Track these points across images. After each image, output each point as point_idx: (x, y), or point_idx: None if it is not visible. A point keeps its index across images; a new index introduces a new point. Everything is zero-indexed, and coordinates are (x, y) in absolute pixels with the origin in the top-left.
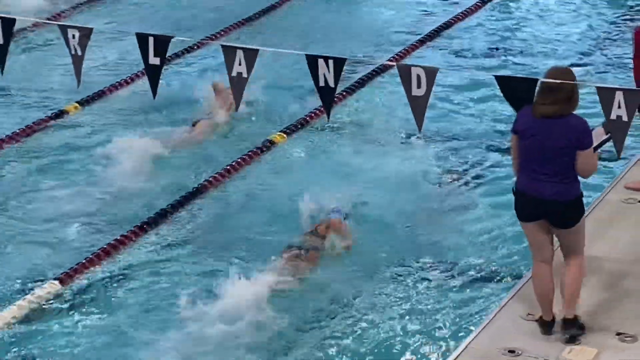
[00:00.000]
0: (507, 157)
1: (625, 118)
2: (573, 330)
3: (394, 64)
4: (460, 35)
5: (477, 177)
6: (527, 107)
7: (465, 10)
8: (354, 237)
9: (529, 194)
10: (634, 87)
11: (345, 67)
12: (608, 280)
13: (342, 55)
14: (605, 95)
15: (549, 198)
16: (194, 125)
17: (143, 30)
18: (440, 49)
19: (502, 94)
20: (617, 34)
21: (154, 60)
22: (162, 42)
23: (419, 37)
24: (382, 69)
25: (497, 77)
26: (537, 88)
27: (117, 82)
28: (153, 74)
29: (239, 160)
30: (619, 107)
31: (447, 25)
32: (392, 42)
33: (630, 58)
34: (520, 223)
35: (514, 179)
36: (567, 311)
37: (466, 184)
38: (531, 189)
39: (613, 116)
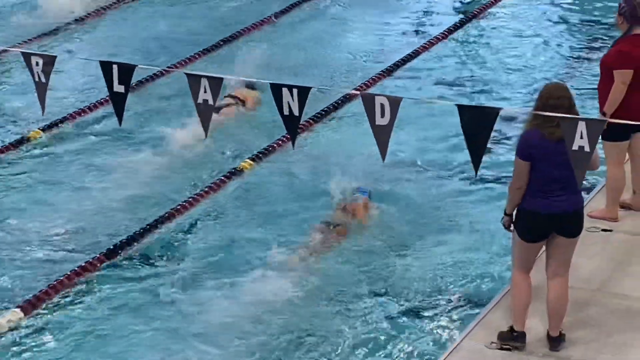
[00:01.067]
0: (469, 187)
1: (587, 149)
2: (562, 344)
3: (358, 92)
4: (426, 66)
5: (437, 207)
6: (533, 133)
7: (430, 41)
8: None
9: (546, 212)
10: (597, 117)
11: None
12: (570, 308)
13: (308, 84)
14: (568, 126)
15: (571, 210)
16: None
17: (111, 57)
18: (406, 79)
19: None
20: (579, 64)
21: (119, 88)
22: (126, 70)
23: (385, 66)
24: (347, 98)
25: (459, 106)
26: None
27: (81, 108)
28: (118, 101)
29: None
30: (582, 137)
31: (413, 55)
32: (359, 71)
33: (594, 87)
34: (521, 242)
35: (506, 210)
36: (556, 329)
37: (426, 213)
38: (549, 207)
39: (575, 147)
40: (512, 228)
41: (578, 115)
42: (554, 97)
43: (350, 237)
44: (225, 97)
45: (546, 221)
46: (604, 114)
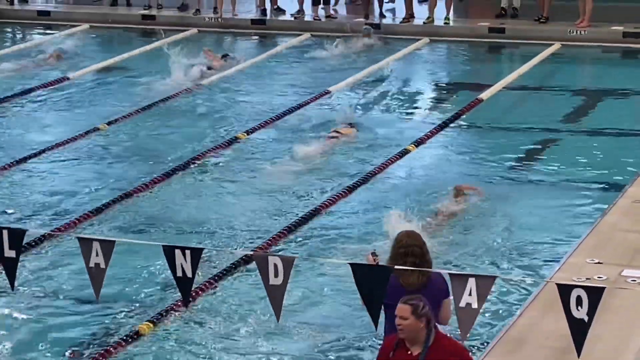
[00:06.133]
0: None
1: (474, 305)
2: None
3: (251, 252)
4: (326, 223)
5: None
6: (391, 279)
7: (332, 197)
8: None
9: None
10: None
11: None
12: None
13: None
14: (457, 282)
15: None
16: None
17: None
18: (307, 237)
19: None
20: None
21: (10, 253)
22: (16, 235)
23: (285, 225)
24: (247, 259)
25: (352, 265)
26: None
27: None
28: (9, 266)
29: None
30: (470, 294)
31: (315, 212)
32: (260, 231)
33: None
34: None
35: None
36: None
37: None
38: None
39: (462, 304)
40: None
41: (430, 263)
42: (405, 246)
43: None
44: (332, 130)
45: None
46: None
